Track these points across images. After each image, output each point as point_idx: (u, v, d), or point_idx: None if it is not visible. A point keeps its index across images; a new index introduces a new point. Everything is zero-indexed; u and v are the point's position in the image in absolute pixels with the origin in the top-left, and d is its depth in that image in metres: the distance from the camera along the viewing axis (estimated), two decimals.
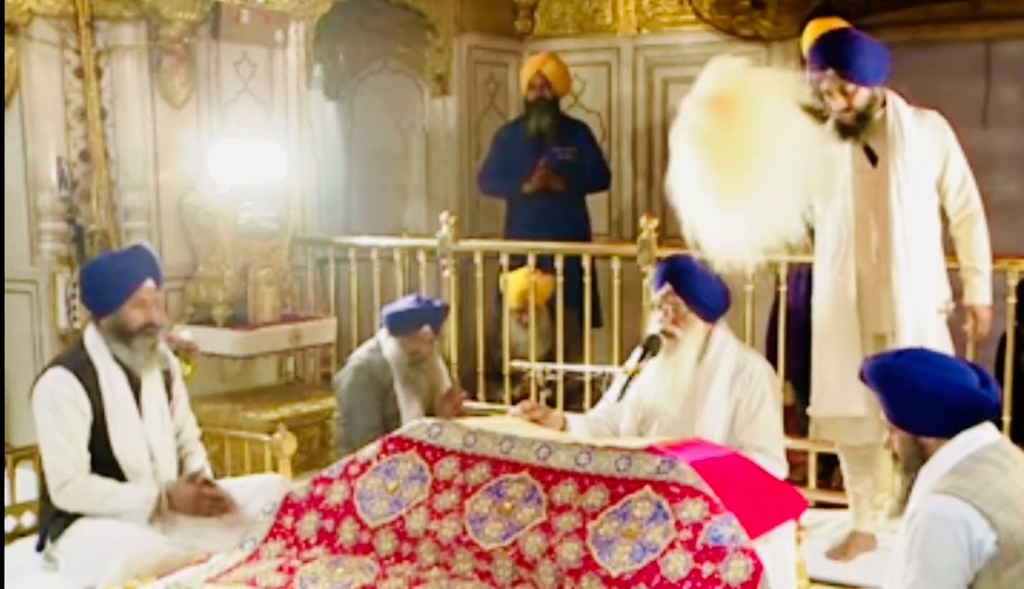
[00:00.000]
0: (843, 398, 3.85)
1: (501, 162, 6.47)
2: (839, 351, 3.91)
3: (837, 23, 4.54)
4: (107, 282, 3.69)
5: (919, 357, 2.67)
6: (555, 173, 6.30)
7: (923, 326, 3.80)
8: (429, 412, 4.54)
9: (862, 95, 3.76)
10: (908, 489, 2.59)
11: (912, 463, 2.58)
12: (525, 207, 6.37)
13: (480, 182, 6.68)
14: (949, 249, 3.93)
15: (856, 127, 3.81)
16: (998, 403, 2.60)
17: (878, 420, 2.86)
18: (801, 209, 3.54)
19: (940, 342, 3.83)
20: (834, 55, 3.76)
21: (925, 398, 2.54)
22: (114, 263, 3.87)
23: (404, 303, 4.66)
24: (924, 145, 3.80)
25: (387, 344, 4.57)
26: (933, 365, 2.61)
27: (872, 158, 3.83)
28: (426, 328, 4.55)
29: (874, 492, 4.07)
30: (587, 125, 6.71)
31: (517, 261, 5.58)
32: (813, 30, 4.98)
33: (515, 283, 5.65)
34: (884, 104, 3.81)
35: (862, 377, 2.70)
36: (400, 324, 4.54)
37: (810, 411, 4.12)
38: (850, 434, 3.96)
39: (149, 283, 3.67)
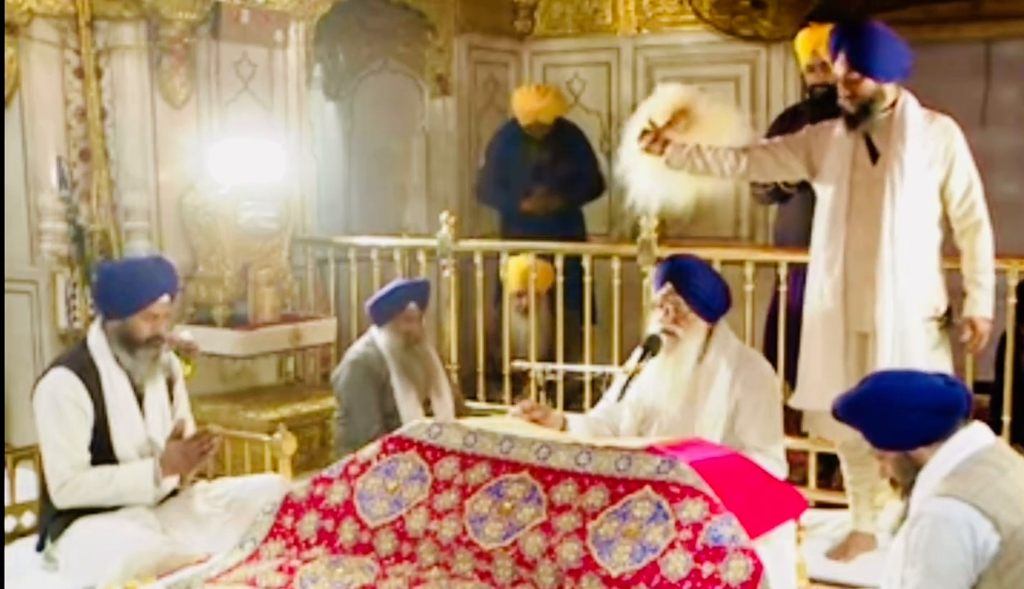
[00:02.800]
0: (822, 393, 3.84)
1: (499, 173, 6.51)
2: (823, 346, 3.91)
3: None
4: (123, 290, 3.68)
5: (879, 378, 2.76)
6: (553, 193, 6.35)
7: (906, 330, 3.77)
8: (427, 401, 4.56)
9: (867, 86, 3.74)
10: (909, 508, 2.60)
11: (911, 481, 2.59)
12: (521, 219, 6.40)
13: (479, 195, 6.72)
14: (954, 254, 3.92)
15: (856, 117, 3.80)
16: (970, 397, 2.63)
17: None
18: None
19: (930, 349, 3.81)
20: (847, 41, 3.77)
21: (900, 411, 2.58)
22: (134, 272, 3.83)
23: (385, 288, 4.71)
24: (928, 148, 3.78)
25: (380, 337, 4.59)
26: (896, 379, 2.71)
27: (873, 155, 3.83)
28: (412, 306, 4.57)
29: (874, 492, 4.07)
30: (582, 132, 6.72)
31: None
32: (806, 36, 4.99)
33: (516, 265, 5.66)
34: (894, 104, 3.79)
35: (836, 416, 2.74)
36: (385, 308, 4.57)
37: (791, 402, 4.13)
38: (833, 430, 3.95)
39: (164, 298, 3.67)
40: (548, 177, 6.39)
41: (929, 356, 3.79)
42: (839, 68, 3.78)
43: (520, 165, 6.42)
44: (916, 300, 3.80)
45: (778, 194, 5.02)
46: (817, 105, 4.87)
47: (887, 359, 3.73)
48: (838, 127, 3.89)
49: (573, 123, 6.78)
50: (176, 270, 3.82)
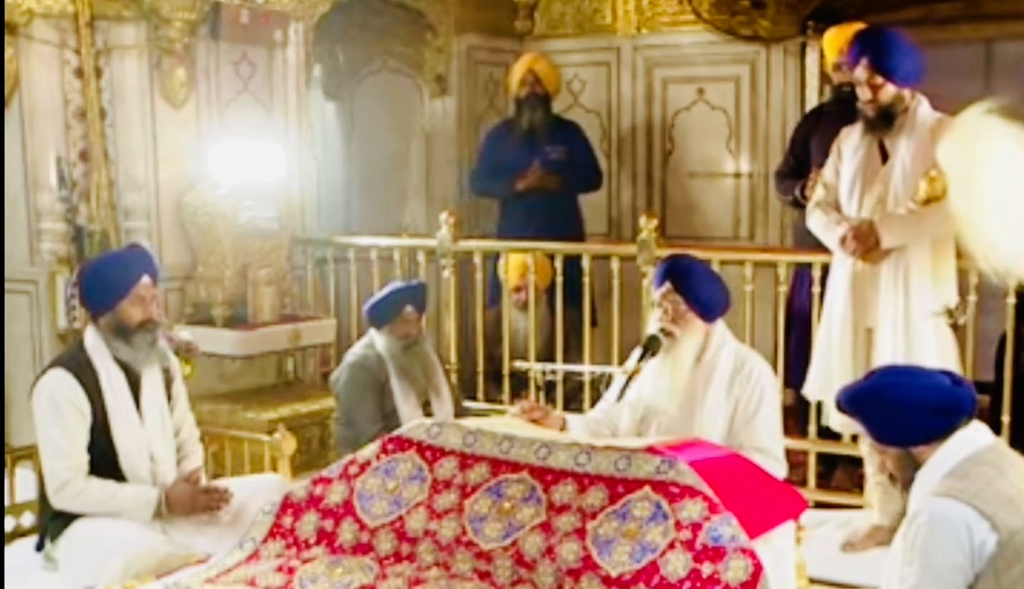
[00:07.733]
0: (828, 384, 3.93)
1: (493, 162, 6.47)
2: (834, 339, 3.98)
3: (859, 27, 4.58)
4: (103, 281, 3.70)
5: (886, 373, 2.74)
6: (548, 172, 6.31)
7: (911, 326, 3.82)
8: (426, 402, 4.56)
9: (888, 91, 3.83)
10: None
11: (910, 478, 2.59)
12: (517, 206, 6.37)
13: (472, 184, 6.69)
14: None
15: (876, 122, 3.88)
16: (974, 397, 2.62)
17: None
18: None
19: (937, 345, 3.84)
20: (870, 47, 3.85)
21: (904, 408, 2.57)
22: (110, 262, 3.90)
23: (381, 292, 4.71)
24: (933, 148, 3.82)
25: (378, 339, 4.59)
26: (902, 375, 2.69)
27: (883, 156, 3.90)
28: (409, 308, 4.58)
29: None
30: (578, 125, 6.70)
31: None
32: (834, 35, 5.01)
33: (514, 259, 5.65)
34: (906, 109, 3.86)
35: (840, 408, 2.74)
36: (382, 312, 4.58)
37: (804, 391, 4.16)
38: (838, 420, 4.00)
39: (145, 280, 3.68)
40: (542, 158, 6.32)
41: (939, 352, 3.81)
42: (860, 72, 3.85)
43: (514, 151, 6.37)
44: (923, 296, 3.84)
45: (796, 203, 5.08)
46: (845, 103, 4.88)
47: (888, 355, 3.78)
48: (856, 130, 3.97)
49: (571, 119, 6.78)
50: (152, 254, 3.83)
